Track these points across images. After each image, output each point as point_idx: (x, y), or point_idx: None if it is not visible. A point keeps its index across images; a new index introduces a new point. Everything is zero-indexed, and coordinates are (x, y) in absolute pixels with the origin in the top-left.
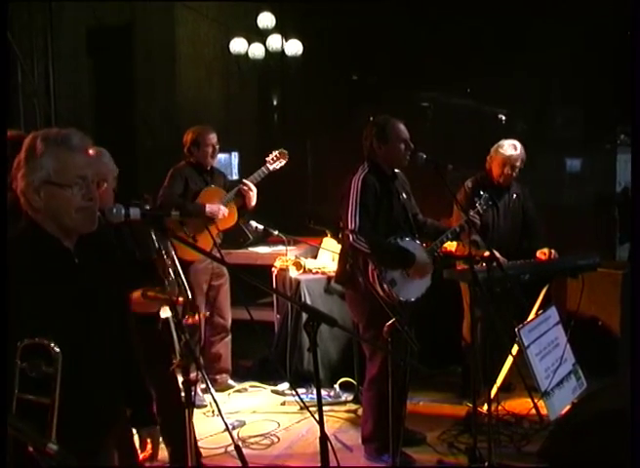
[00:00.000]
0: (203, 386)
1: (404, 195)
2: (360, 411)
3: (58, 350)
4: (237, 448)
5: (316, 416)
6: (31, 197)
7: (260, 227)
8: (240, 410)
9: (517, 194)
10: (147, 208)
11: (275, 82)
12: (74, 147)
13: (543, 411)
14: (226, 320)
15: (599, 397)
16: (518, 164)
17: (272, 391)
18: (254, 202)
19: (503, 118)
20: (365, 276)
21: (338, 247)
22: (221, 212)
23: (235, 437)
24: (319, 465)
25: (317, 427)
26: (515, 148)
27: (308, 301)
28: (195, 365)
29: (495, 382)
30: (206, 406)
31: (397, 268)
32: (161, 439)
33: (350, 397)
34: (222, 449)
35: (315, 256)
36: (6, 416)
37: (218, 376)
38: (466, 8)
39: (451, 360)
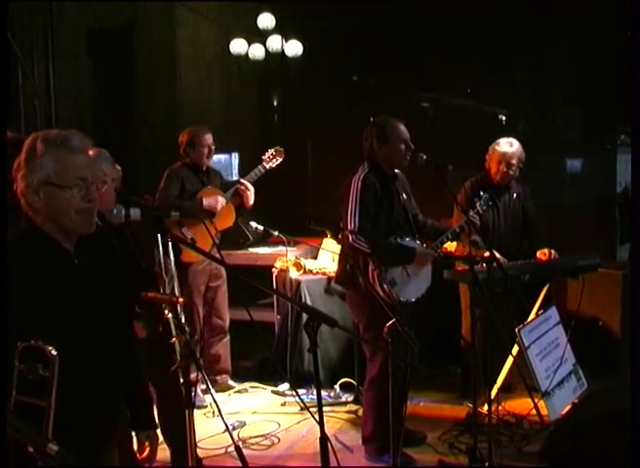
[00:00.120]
0: (203, 387)
1: (404, 195)
2: (360, 412)
3: (54, 353)
4: (237, 448)
5: (316, 417)
6: (31, 198)
7: (261, 228)
8: (240, 411)
9: (517, 194)
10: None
11: (275, 82)
12: (74, 148)
13: (544, 412)
14: (224, 321)
15: (599, 397)
16: (514, 161)
17: (273, 392)
18: (251, 201)
19: (504, 118)
20: (365, 276)
21: (338, 247)
22: (220, 202)
23: (235, 437)
24: (319, 466)
25: (317, 428)
26: (511, 145)
27: (309, 302)
28: (195, 365)
29: (495, 382)
30: (206, 406)
31: (399, 265)
32: (162, 439)
33: (351, 397)
34: (223, 450)
35: (315, 257)
36: (6, 417)
37: (218, 377)
38: (466, 8)
39: (451, 360)
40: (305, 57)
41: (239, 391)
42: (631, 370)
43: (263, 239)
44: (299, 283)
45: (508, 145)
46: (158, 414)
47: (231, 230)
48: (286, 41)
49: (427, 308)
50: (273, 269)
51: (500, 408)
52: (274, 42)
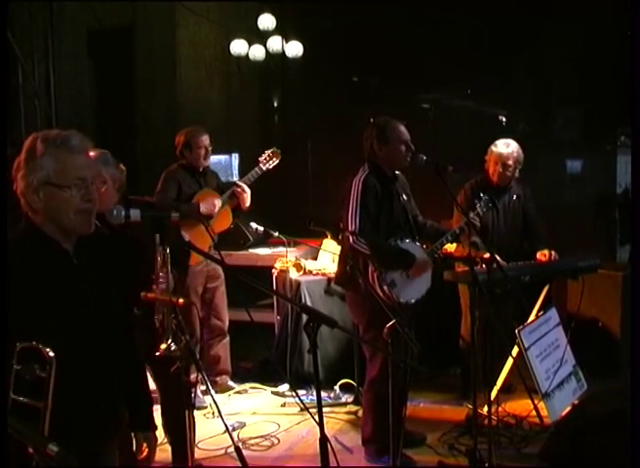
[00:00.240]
0: (203, 388)
1: (404, 197)
2: (360, 413)
3: (52, 354)
4: (237, 449)
5: (316, 418)
6: (30, 198)
7: (261, 229)
8: (240, 412)
9: (517, 195)
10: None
11: (276, 83)
12: (74, 149)
13: (544, 413)
14: (223, 322)
15: (600, 399)
16: (510, 162)
17: (272, 392)
18: (248, 203)
19: (504, 119)
20: (365, 277)
21: (338, 248)
22: (216, 206)
23: (235, 438)
24: (319, 466)
25: (317, 428)
26: (507, 146)
27: (308, 303)
28: (195, 366)
29: (495, 384)
30: (206, 407)
31: (397, 269)
32: (161, 440)
33: (350, 398)
34: (223, 451)
35: (315, 258)
36: (6, 417)
37: (217, 378)
38: (466, 8)
39: (451, 361)
40: (306, 57)
41: (239, 392)
42: (631, 372)
43: (263, 240)
44: (298, 284)
45: (505, 146)
46: (162, 414)
47: (231, 231)
48: (286, 42)
49: (427, 309)
50: (273, 270)
51: (499, 409)
52: (275, 43)
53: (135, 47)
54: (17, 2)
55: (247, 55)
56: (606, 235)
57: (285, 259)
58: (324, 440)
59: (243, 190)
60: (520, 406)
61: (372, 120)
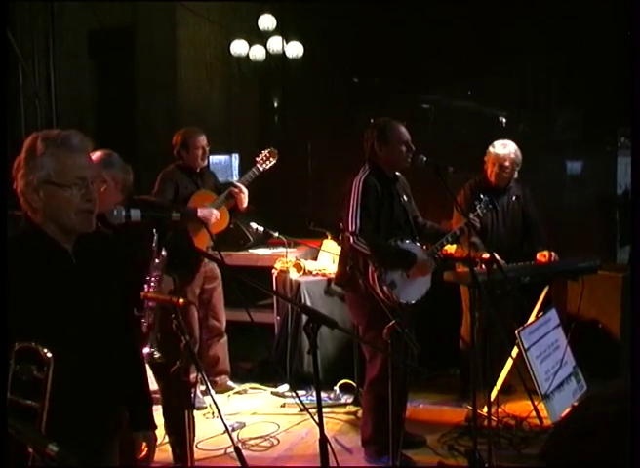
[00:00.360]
0: (203, 388)
1: (405, 197)
2: (360, 414)
3: (49, 355)
4: (237, 449)
5: (316, 418)
6: (30, 197)
7: (261, 229)
8: (240, 412)
9: (517, 196)
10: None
11: (276, 84)
12: (74, 148)
13: (544, 414)
14: (221, 322)
15: (599, 400)
16: (507, 163)
17: (272, 393)
18: (245, 203)
19: (504, 120)
20: (365, 278)
21: (338, 249)
22: (214, 215)
23: (235, 439)
24: (319, 467)
25: (317, 429)
26: (505, 147)
27: (308, 303)
28: (195, 366)
29: (495, 385)
30: (206, 407)
31: (398, 269)
32: (160, 440)
33: (350, 399)
34: (222, 451)
35: (315, 258)
36: (6, 417)
37: (217, 378)
38: (467, 10)
39: (451, 362)
40: (306, 58)
41: (239, 392)
42: (631, 373)
43: (263, 240)
44: (298, 284)
45: (502, 147)
46: (164, 414)
47: (231, 231)
48: (287, 42)
49: (427, 310)
50: (273, 270)
51: (499, 410)
52: (275, 43)
53: (135, 47)
54: (17, 2)
55: (247, 55)
56: (606, 236)
57: (285, 260)
58: (324, 440)
59: (240, 191)
60: (520, 407)
61: (372, 121)
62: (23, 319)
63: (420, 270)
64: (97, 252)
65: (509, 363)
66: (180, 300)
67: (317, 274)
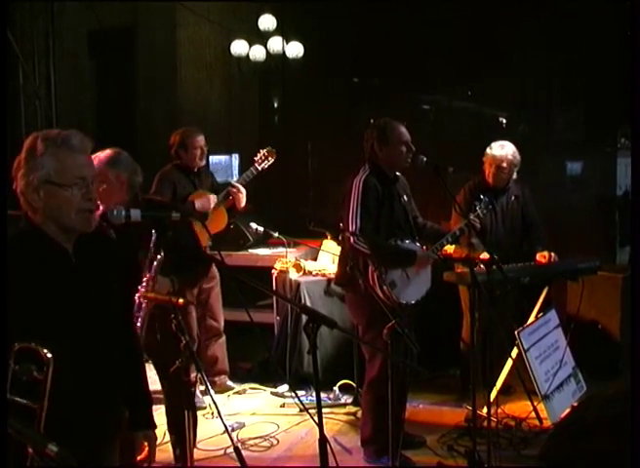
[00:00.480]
0: (202, 388)
1: (405, 197)
2: (359, 414)
3: (49, 356)
4: (236, 450)
5: (316, 419)
6: (31, 197)
7: (261, 229)
8: (239, 412)
9: (516, 196)
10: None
11: (276, 84)
12: (74, 148)
13: (543, 415)
14: (219, 322)
15: (599, 400)
16: (505, 165)
17: (272, 393)
18: (243, 203)
19: (504, 121)
20: (365, 278)
21: (338, 249)
22: (211, 201)
23: (235, 439)
24: (318, 467)
25: (317, 429)
26: (502, 148)
27: (308, 303)
28: (195, 366)
29: (494, 385)
30: (205, 407)
31: (399, 268)
32: (163, 440)
33: (350, 399)
34: (222, 451)
35: (315, 258)
36: (6, 417)
37: (216, 378)
38: (467, 10)
39: (450, 362)
40: (306, 58)
41: (238, 392)
42: (631, 373)
43: (263, 240)
44: (298, 284)
45: (500, 148)
46: (166, 414)
47: (231, 231)
48: (287, 42)
49: (427, 310)
50: (273, 270)
51: (499, 410)
52: (275, 43)
53: (135, 47)
54: (17, 2)
55: (247, 55)
56: (606, 237)
57: (285, 260)
58: (323, 440)
59: (238, 190)
60: (519, 407)
61: (372, 121)
62: (23, 319)
63: (421, 264)
64: (97, 251)
65: (509, 363)
66: (180, 300)
67: (317, 274)
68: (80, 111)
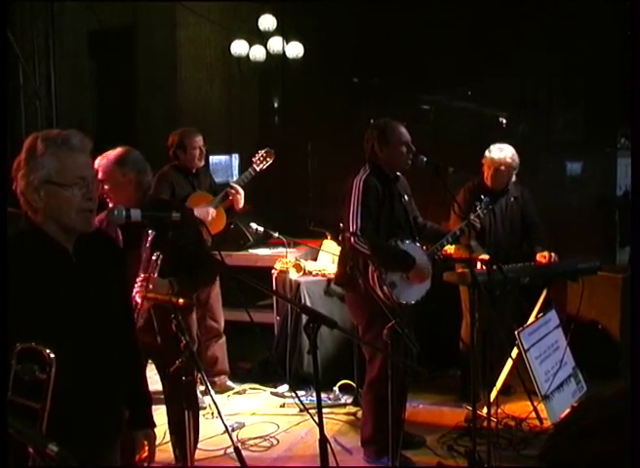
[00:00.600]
0: (202, 388)
1: (405, 197)
2: (360, 414)
3: (52, 356)
4: (236, 450)
5: (316, 419)
6: (31, 197)
7: (261, 229)
8: (239, 412)
9: (515, 197)
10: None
11: (276, 84)
12: (74, 148)
13: (543, 415)
14: (219, 323)
15: (599, 400)
16: (503, 168)
17: (272, 393)
18: (241, 204)
19: (504, 121)
20: (365, 278)
21: (338, 249)
22: (210, 214)
23: (235, 439)
24: (318, 467)
25: (317, 429)
26: (501, 151)
27: (308, 303)
28: (196, 366)
29: (494, 385)
30: (205, 407)
31: (397, 271)
32: (163, 440)
33: (350, 399)
34: (222, 451)
35: (315, 258)
36: (6, 417)
37: (216, 378)
38: (467, 10)
39: (450, 363)
40: (306, 58)
41: (238, 392)
42: (631, 374)
43: (263, 240)
44: (298, 284)
45: (498, 151)
46: (167, 414)
47: (231, 232)
48: (287, 42)
49: (427, 310)
50: (273, 270)
51: (499, 410)
52: (275, 43)
53: (135, 47)
54: (17, 2)
55: (247, 55)
56: (606, 237)
57: (285, 260)
58: (323, 441)
59: (236, 192)
60: (519, 407)
61: (372, 121)
62: (23, 318)
63: (419, 276)
64: (97, 251)
65: (509, 363)
66: (180, 300)
67: (317, 274)
68: (80, 111)
